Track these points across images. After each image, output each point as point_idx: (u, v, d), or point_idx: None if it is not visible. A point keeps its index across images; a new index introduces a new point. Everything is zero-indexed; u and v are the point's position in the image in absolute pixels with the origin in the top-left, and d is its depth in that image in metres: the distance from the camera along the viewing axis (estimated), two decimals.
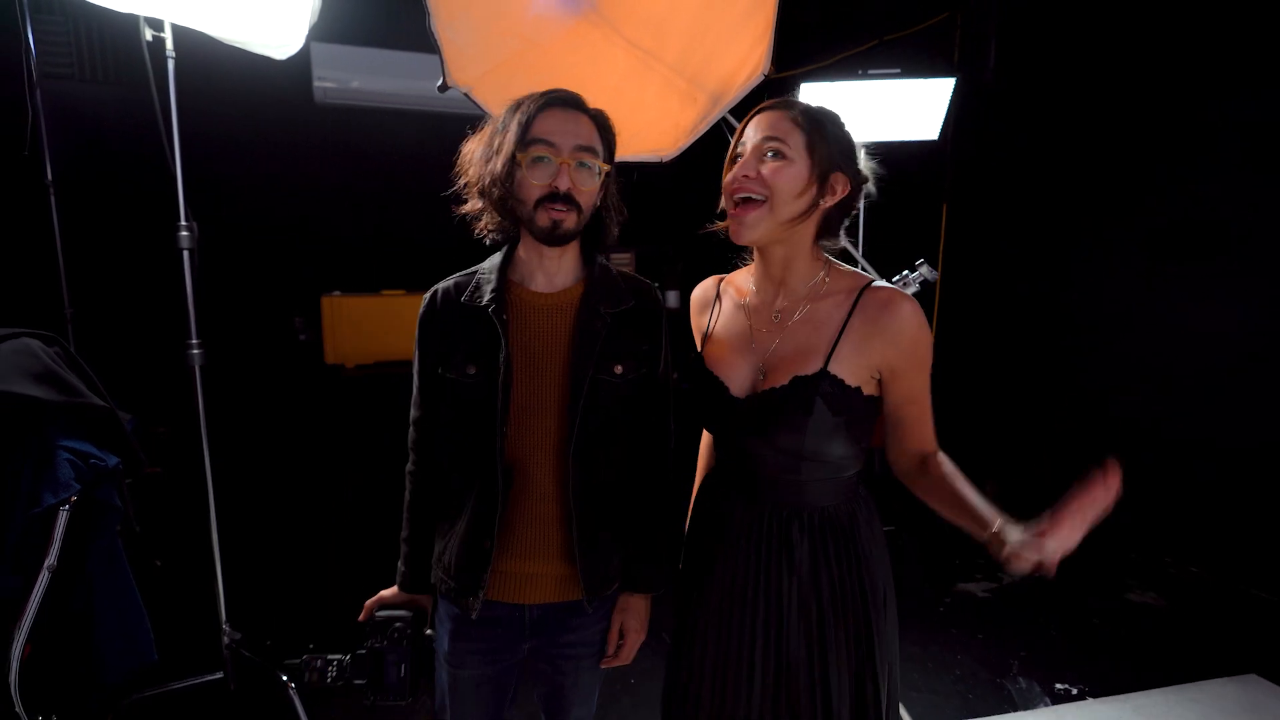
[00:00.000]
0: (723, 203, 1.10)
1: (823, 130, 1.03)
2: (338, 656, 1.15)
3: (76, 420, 1.43)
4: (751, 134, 1.04)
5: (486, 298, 1.09)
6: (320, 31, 1.91)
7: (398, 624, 1.13)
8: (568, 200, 1.04)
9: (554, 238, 1.06)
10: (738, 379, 1.09)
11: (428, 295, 1.15)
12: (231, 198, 2.80)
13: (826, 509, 1.07)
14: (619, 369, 1.09)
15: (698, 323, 1.24)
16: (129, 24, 1.77)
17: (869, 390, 1.04)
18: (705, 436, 1.30)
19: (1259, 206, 2.76)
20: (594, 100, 1.10)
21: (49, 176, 2.38)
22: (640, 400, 1.13)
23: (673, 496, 1.19)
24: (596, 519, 1.10)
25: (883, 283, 1.06)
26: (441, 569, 1.14)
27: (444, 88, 1.76)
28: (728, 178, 1.06)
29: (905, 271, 2.32)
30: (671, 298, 3.71)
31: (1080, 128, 3.33)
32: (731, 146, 1.08)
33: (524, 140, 1.03)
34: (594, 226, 1.15)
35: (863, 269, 2.09)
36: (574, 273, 1.14)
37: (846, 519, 1.08)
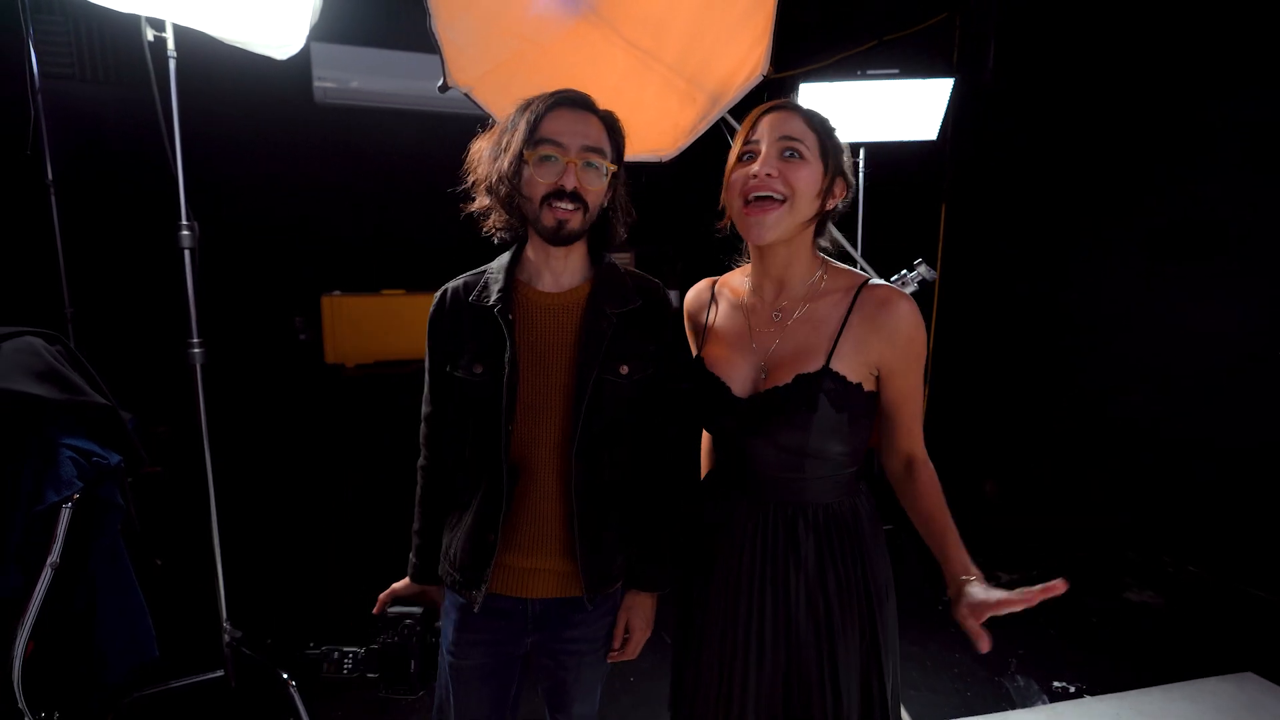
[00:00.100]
0: (726, 201, 1.10)
1: (830, 135, 1.05)
2: (353, 649, 1.19)
3: (79, 418, 1.44)
4: (765, 133, 1.04)
5: (493, 297, 1.10)
6: (320, 31, 1.91)
7: (408, 621, 1.17)
8: (574, 198, 1.04)
9: (560, 237, 1.07)
10: (739, 379, 1.09)
11: (438, 294, 1.17)
12: (231, 197, 2.80)
13: (830, 506, 1.08)
14: (624, 369, 1.10)
15: (694, 325, 1.25)
16: (130, 24, 1.77)
17: (869, 387, 1.05)
18: (705, 437, 1.30)
19: (1258, 206, 2.76)
20: (594, 100, 1.11)
21: (49, 176, 2.39)
22: (646, 401, 1.14)
23: (679, 497, 1.20)
24: (599, 518, 1.11)
25: (880, 281, 1.08)
26: (448, 562, 1.16)
27: (444, 88, 1.77)
28: (736, 175, 1.06)
29: (903, 271, 2.32)
30: (671, 298, 3.71)
31: (1079, 128, 3.33)
32: (738, 145, 1.07)
33: (532, 139, 1.04)
34: (601, 227, 1.15)
35: (861, 268, 2.10)
36: (581, 273, 1.14)
37: (850, 515, 1.09)
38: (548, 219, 1.05)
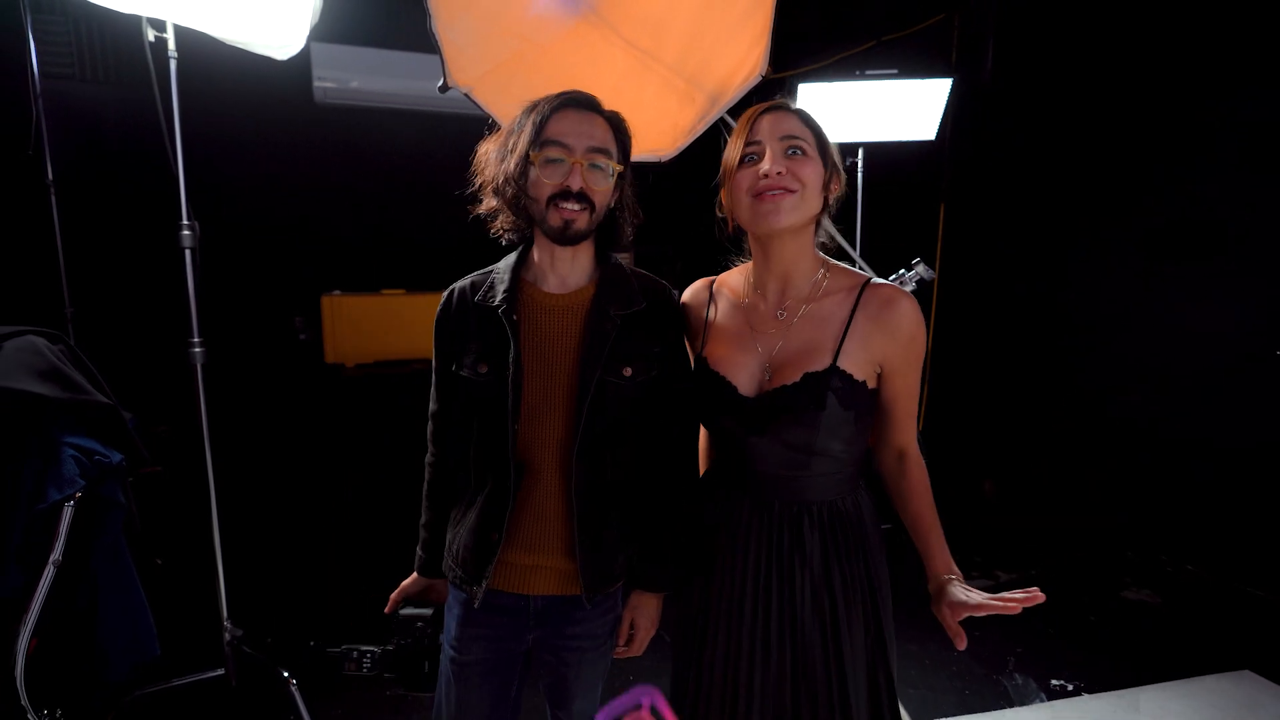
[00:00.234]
0: (730, 201, 1.10)
1: (822, 132, 1.08)
2: (371, 649, 1.23)
3: (80, 417, 1.44)
4: (766, 134, 1.05)
5: (499, 298, 1.10)
6: (320, 31, 1.92)
7: (419, 623, 1.20)
8: (580, 198, 1.05)
9: (565, 237, 1.07)
10: (745, 378, 1.10)
11: (445, 294, 1.18)
12: (232, 197, 2.80)
13: (834, 503, 1.09)
14: (628, 371, 1.10)
15: (693, 324, 1.25)
16: (130, 24, 1.78)
17: (872, 384, 1.07)
18: (703, 437, 1.30)
19: (1256, 207, 2.77)
20: (600, 101, 1.11)
21: (50, 176, 2.39)
22: (650, 402, 1.14)
23: (682, 497, 1.20)
24: (600, 518, 1.11)
25: (882, 280, 1.09)
26: (451, 557, 1.17)
27: (444, 88, 1.77)
28: (743, 176, 1.07)
29: (902, 271, 2.33)
30: None
31: (1078, 128, 3.34)
32: (737, 148, 1.08)
33: (538, 140, 1.05)
34: (608, 227, 1.16)
35: (860, 268, 2.10)
36: (587, 274, 1.15)
37: (853, 511, 1.10)
38: (554, 219, 1.06)
